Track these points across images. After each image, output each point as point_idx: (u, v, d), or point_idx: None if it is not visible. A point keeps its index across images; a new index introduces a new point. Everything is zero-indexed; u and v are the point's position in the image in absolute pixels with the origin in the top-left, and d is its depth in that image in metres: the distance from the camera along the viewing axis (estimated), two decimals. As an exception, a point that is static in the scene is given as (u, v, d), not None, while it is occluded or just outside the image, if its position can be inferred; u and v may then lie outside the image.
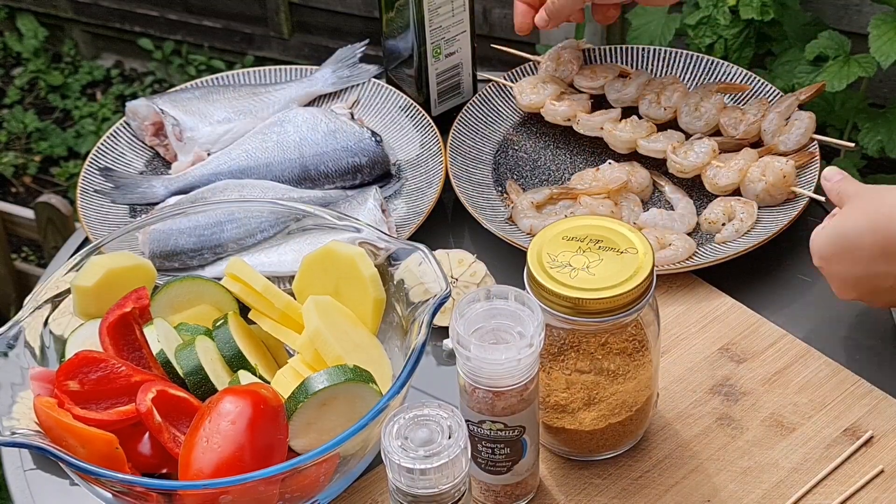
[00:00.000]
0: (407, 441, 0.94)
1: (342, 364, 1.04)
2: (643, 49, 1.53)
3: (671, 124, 1.42)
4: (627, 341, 1.06)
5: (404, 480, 0.94)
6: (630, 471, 1.12)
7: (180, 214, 1.23)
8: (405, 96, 1.49)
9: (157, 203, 1.40)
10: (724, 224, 1.33)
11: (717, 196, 1.36)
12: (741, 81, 1.48)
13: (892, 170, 2.40)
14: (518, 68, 1.53)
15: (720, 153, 1.38)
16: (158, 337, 1.10)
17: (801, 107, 1.41)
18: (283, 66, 1.54)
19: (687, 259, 1.29)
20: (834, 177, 1.17)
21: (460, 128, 1.45)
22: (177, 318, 1.15)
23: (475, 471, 1.07)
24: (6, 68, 3.23)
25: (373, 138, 1.42)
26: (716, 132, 1.42)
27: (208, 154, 1.45)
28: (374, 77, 1.52)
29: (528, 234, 1.33)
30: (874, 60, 2.01)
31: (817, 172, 1.36)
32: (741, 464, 1.12)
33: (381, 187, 1.39)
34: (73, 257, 1.13)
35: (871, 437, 1.12)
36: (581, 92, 1.47)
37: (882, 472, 1.10)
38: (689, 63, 1.51)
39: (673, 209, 1.37)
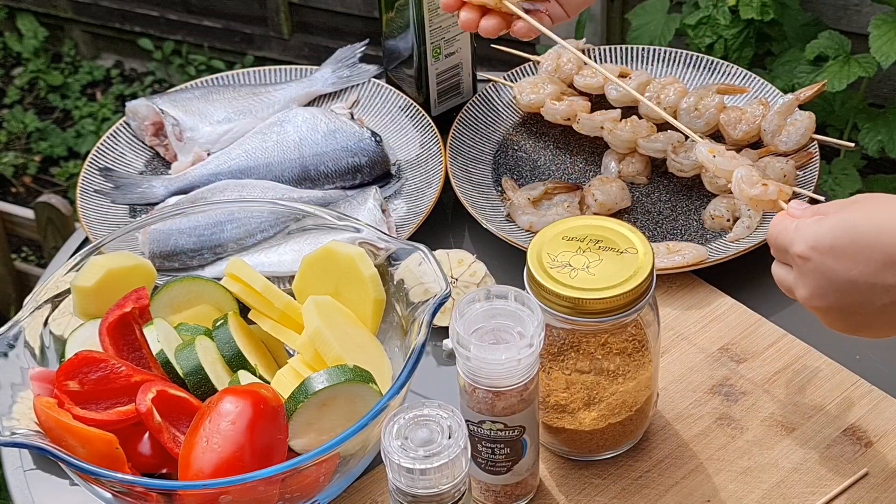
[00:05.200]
0: (407, 441, 0.94)
1: (342, 364, 1.04)
2: (643, 49, 1.53)
3: (671, 124, 1.42)
4: (627, 341, 1.06)
5: (404, 480, 0.94)
6: (630, 471, 1.12)
7: (180, 214, 1.23)
8: (405, 96, 1.49)
9: (157, 203, 1.40)
10: (728, 220, 1.33)
11: (716, 195, 1.36)
12: (741, 81, 1.48)
13: (892, 170, 2.40)
14: (518, 68, 1.53)
15: (720, 153, 1.38)
16: (158, 337, 1.10)
17: (801, 107, 1.41)
18: (283, 66, 1.54)
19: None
20: (801, 204, 1.04)
21: (460, 128, 1.45)
22: (177, 318, 1.15)
23: (475, 471, 1.07)
24: (6, 68, 3.23)
25: (373, 138, 1.42)
26: (716, 132, 1.42)
27: (208, 154, 1.45)
28: (374, 77, 1.52)
29: (527, 230, 1.33)
30: (874, 60, 2.01)
31: (817, 172, 1.36)
32: (741, 464, 1.12)
33: (381, 187, 1.39)
34: (73, 257, 1.13)
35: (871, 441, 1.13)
36: (581, 92, 1.47)
37: (867, 473, 1.10)
38: (689, 63, 1.51)
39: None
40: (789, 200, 1.09)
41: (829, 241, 0.95)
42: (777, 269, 1.02)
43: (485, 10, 1.28)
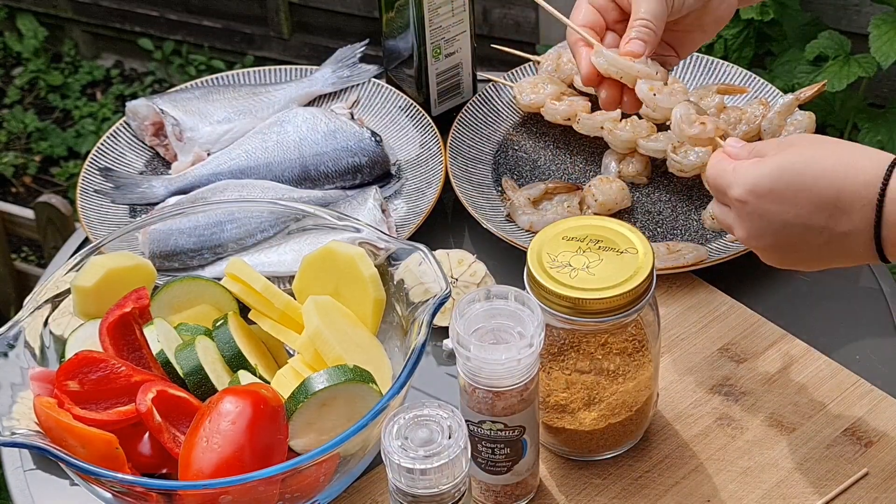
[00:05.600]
0: (407, 441, 0.94)
1: (342, 364, 1.04)
2: (643, 49, 1.52)
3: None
4: (627, 341, 1.06)
5: (404, 480, 0.94)
6: (630, 471, 1.12)
7: (180, 214, 1.23)
8: (405, 96, 1.49)
9: (157, 203, 1.40)
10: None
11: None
12: (741, 81, 1.48)
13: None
14: (518, 68, 1.53)
15: (720, 153, 1.38)
16: (158, 337, 1.10)
17: (801, 107, 1.41)
18: (283, 66, 1.54)
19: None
20: (738, 142, 1.05)
21: (460, 128, 1.45)
22: (177, 318, 1.15)
23: (475, 471, 1.07)
24: (6, 68, 3.23)
25: (373, 138, 1.42)
26: (716, 132, 1.42)
27: (208, 154, 1.45)
28: (374, 77, 1.52)
29: (527, 230, 1.33)
30: (874, 60, 2.01)
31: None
32: (741, 464, 1.12)
33: (381, 187, 1.39)
34: (73, 257, 1.13)
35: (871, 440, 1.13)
36: (581, 92, 1.47)
37: (867, 473, 1.10)
38: (689, 63, 1.51)
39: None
40: (724, 137, 1.10)
41: (767, 185, 0.98)
42: (716, 209, 1.06)
43: (623, 86, 1.22)
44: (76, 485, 1.12)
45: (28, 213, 2.41)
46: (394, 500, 0.97)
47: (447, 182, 1.39)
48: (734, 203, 1.02)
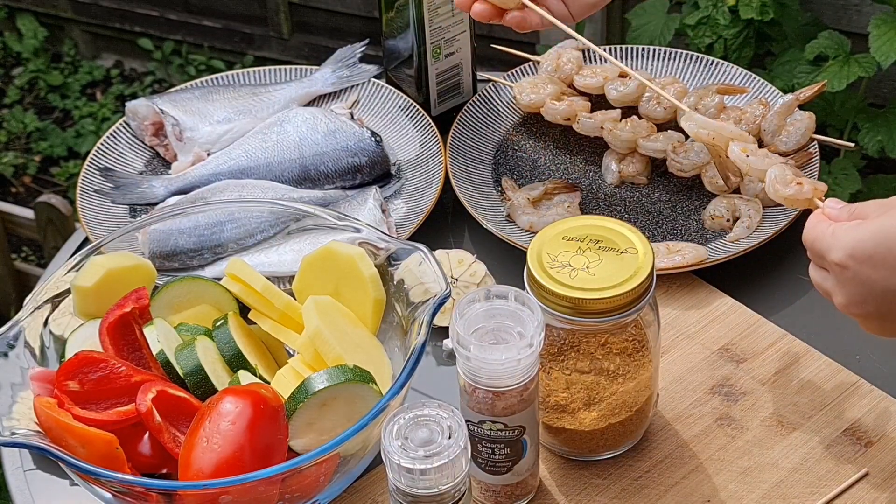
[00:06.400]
0: (407, 441, 0.94)
1: (342, 364, 1.04)
2: (643, 49, 1.52)
3: (671, 124, 1.42)
4: (627, 341, 1.06)
5: (404, 480, 0.94)
6: (630, 471, 1.12)
7: (180, 214, 1.23)
8: (405, 96, 1.49)
9: (157, 203, 1.40)
10: (728, 220, 1.33)
11: (716, 195, 1.36)
12: (741, 81, 1.48)
13: (893, 170, 2.40)
14: (518, 68, 1.53)
15: (720, 153, 1.38)
16: (158, 337, 1.10)
17: (801, 107, 1.41)
18: (283, 66, 1.54)
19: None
20: (837, 203, 1.02)
21: (460, 128, 1.45)
22: (177, 318, 1.15)
23: (475, 471, 1.07)
24: (6, 68, 3.23)
25: (373, 138, 1.42)
26: (716, 132, 1.42)
27: (208, 154, 1.45)
28: (374, 77, 1.52)
29: (527, 230, 1.33)
30: (874, 60, 2.01)
31: (817, 172, 1.36)
32: (741, 464, 1.12)
33: (381, 187, 1.39)
34: (73, 257, 1.13)
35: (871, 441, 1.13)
36: (581, 92, 1.47)
37: (867, 473, 1.10)
38: (689, 63, 1.51)
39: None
40: (824, 198, 1.08)
41: (869, 249, 0.94)
42: (814, 273, 1.02)
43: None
44: (76, 485, 1.12)
45: (28, 213, 2.41)
46: (394, 500, 0.97)
47: (447, 182, 1.39)
48: (833, 268, 0.97)
